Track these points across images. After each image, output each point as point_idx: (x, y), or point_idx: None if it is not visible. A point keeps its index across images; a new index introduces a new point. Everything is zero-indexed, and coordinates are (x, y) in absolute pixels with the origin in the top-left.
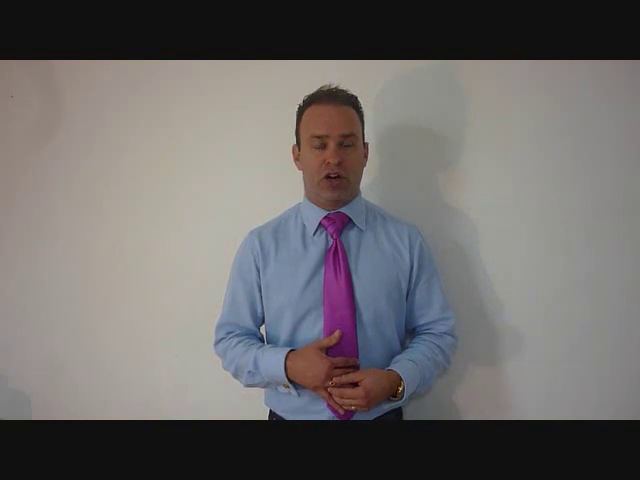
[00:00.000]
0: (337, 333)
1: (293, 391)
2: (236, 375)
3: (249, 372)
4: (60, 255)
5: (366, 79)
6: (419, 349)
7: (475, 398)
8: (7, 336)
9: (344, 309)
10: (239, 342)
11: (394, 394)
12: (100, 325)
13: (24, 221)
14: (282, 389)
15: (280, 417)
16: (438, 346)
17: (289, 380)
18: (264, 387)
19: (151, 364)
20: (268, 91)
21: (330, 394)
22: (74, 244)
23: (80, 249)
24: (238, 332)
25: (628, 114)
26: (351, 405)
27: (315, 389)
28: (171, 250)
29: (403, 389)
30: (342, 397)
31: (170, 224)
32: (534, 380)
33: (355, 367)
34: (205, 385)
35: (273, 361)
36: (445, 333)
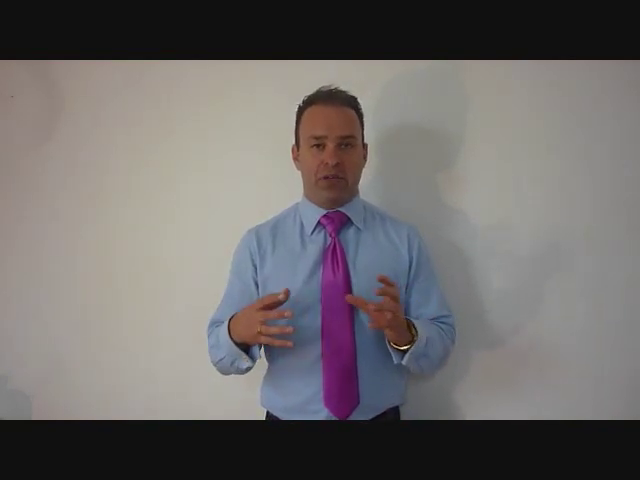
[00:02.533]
0: (284, 290)
1: (247, 360)
2: (212, 360)
3: (212, 347)
4: (60, 254)
5: (366, 79)
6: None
7: (473, 398)
8: (7, 335)
9: (342, 307)
10: (213, 332)
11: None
12: (101, 324)
13: (24, 220)
14: (243, 363)
15: (277, 418)
16: (439, 326)
17: (233, 341)
18: (231, 367)
19: (151, 364)
20: (268, 91)
21: (270, 337)
22: (74, 243)
23: (80, 248)
24: None
25: (628, 114)
26: (387, 314)
27: (255, 339)
28: (172, 249)
29: (415, 327)
30: (375, 311)
31: (170, 223)
32: (533, 380)
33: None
34: (205, 386)
35: (223, 327)
36: (445, 323)
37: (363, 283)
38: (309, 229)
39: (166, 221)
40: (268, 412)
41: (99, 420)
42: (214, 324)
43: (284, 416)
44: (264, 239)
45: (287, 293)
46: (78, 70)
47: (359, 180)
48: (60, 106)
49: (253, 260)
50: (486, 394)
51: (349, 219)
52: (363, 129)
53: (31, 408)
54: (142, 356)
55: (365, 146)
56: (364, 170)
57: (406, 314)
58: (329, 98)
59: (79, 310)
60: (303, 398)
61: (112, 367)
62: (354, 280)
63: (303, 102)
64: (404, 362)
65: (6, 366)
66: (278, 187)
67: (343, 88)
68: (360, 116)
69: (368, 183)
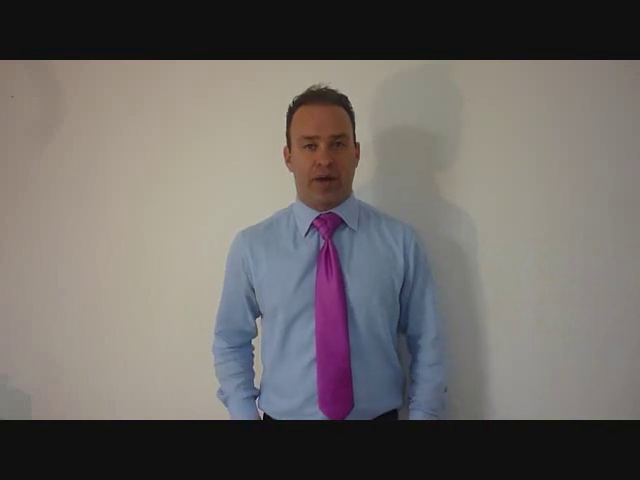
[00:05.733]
0: None
1: None
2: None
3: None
4: (61, 255)
5: (363, 79)
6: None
7: (471, 398)
8: (7, 336)
9: (335, 310)
10: (221, 363)
11: None
12: (100, 324)
13: (25, 221)
14: None
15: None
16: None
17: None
18: None
19: (151, 364)
20: (268, 91)
21: None
22: (75, 244)
23: (81, 249)
24: (225, 340)
25: (627, 114)
26: None
27: None
28: (172, 250)
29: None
30: None
31: (170, 224)
32: (531, 381)
33: None
34: (204, 386)
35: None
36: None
37: (357, 285)
38: (303, 231)
39: (165, 222)
40: (265, 414)
41: (99, 420)
42: (218, 324)
43: (280, 419)
44: (256, 243)
45: None
46: (78, 70)
47: (352, 179)
48: (60, 106)
49: (244, 267)
50: (485, 394)
51: (343, 220)
52: (354, 128)
53: (31, 408)
54: (141, 356)
55: (357, 145)
56: (361, 170)
57: (405, 314)
58: (319, 98)
59: (79, 310)
60: (298, 401)
61: (111, 367)
62: (348, 283)
63: (293, 103)
64: None
65: (6, 366)
66: (278, 187)
67: (342, 88)
68: (351, 115)
69: (364, 183)
